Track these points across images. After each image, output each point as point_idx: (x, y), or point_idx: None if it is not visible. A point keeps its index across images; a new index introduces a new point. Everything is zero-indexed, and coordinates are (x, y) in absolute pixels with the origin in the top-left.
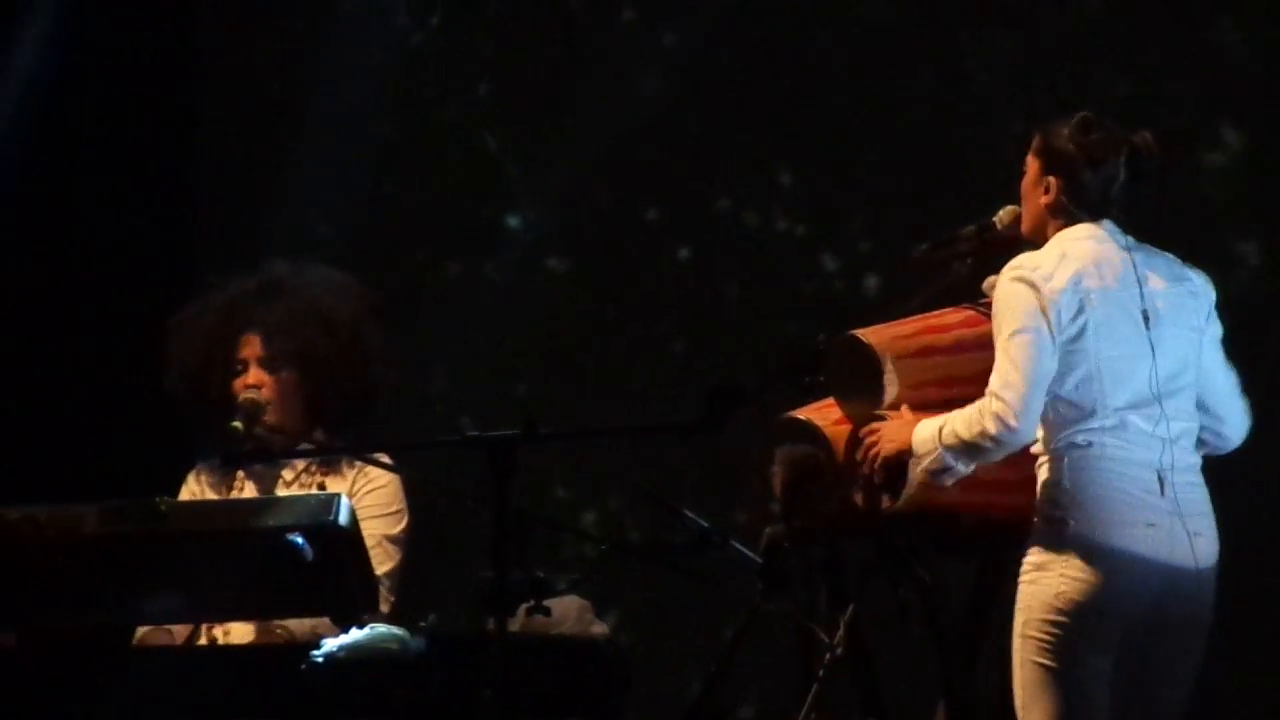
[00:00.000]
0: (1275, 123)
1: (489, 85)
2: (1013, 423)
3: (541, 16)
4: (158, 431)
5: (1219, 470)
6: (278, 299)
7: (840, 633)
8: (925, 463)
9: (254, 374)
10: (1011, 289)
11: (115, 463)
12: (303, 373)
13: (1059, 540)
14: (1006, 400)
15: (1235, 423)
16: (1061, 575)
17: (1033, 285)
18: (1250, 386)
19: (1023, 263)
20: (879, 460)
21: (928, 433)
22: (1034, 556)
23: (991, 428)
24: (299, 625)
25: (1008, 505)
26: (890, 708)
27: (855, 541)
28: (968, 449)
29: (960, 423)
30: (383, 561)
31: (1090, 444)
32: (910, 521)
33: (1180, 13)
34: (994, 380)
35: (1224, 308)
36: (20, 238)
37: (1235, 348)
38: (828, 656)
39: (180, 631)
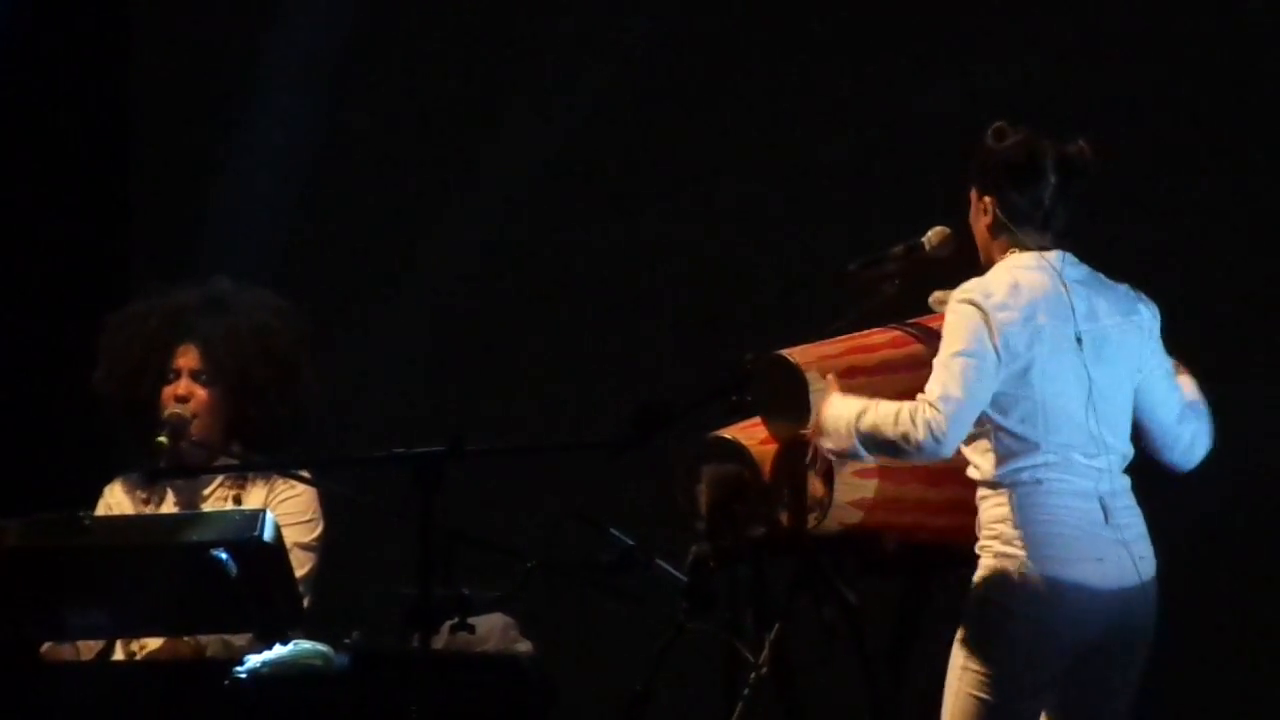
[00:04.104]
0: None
1: (416, 101)
2: (941, 435)
3: (472, 31)
4: (80, 443)
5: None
6: (221, 315)
7: (765, 652)
8: (833, 443)
9: (184, 385)
10: (963, 311)
11: (36, 475)
12: (233, 391)
13: (1008, 576)
14: (942, 411)
15: (1182, 449)
16: (1011, 612)
17: (985, 312)
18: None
19: (976, 287)
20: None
21: (841, 414)
22: (981, 591)
23: (920, 434)
24: (210, 638)
25: (933, 526)
26: None
27: (780, 561)
28: (884, 445)
29: (884, 417)
30: (295, 567)
31: (1040, 481)
32: (835, 542)
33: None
34: (933, 388)
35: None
36: None
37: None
38: (753, 676)
39: (88, 644)
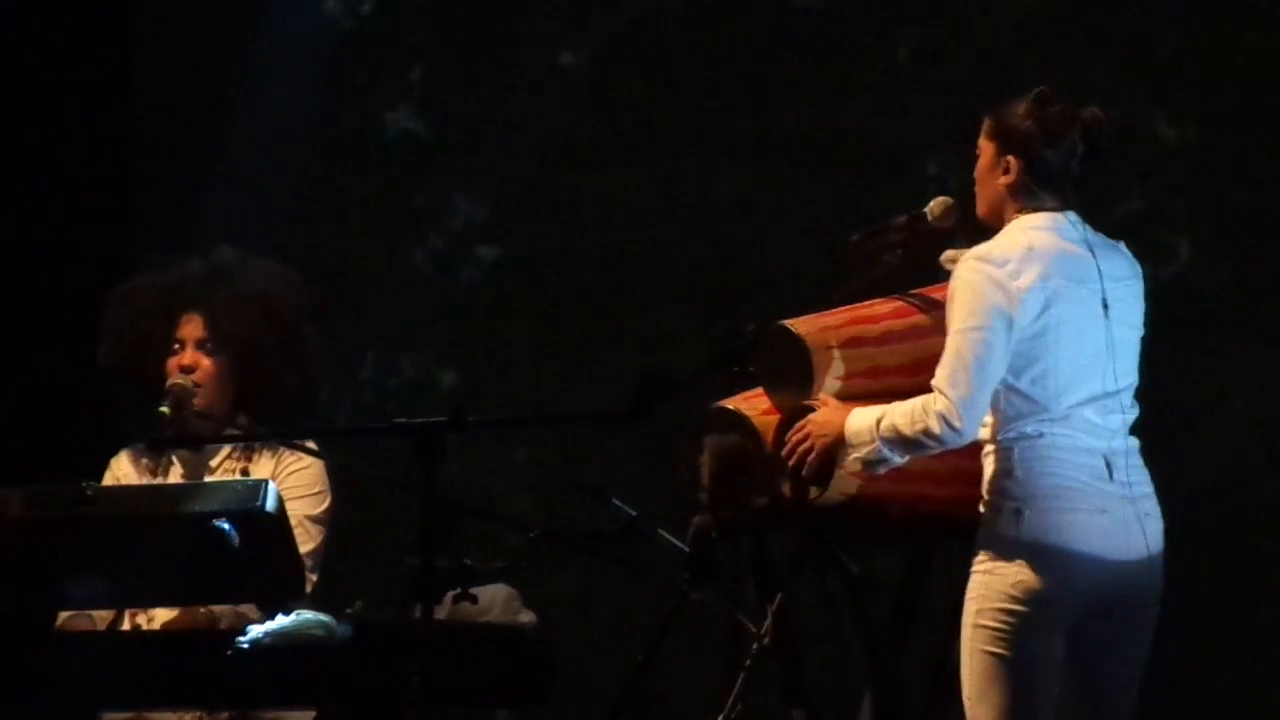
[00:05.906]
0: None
1: (420, 71)
2: (957, 423)
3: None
4: (85, 415)
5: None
6: (224, 284)
7: (767, 623)
8: (861, 453)
9: (190, 355)
10: (976, 281)
11: (42, 446)
12: (239, 359)
13: (1015, 531)
14: (952, 399)
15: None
16: (1019, 565)
17: (999, 283)
18: (1181, 379)
19: (989, 254)
20: (814, 454)
21: (863, 424)
22: (989, 547)
23: (935, 427)
24: (222, 607)
25: (936, 496)
26: (816, 698)
27: (783, 532)
28: (906, 444)
29: (901, 417)
30: (304, 541)
31: (1041, 434)
32: (837, 512)
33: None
34: (941, 376)
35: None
36: None
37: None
38: (755, 646)
39: (102, 616)
